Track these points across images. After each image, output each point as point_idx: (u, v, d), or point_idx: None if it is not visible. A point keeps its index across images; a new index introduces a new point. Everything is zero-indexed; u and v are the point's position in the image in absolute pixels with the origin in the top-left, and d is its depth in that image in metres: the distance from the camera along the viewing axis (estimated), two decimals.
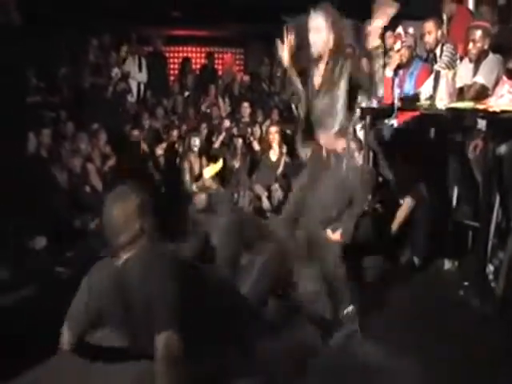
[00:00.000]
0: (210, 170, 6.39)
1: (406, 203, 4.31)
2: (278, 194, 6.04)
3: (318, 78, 3.32)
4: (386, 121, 5.38)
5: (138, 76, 8.16)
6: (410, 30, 5.32)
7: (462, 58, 4.65)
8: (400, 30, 5.41)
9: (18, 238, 4.50)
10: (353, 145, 5.16)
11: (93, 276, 2.59)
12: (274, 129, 6.45)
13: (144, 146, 6.61)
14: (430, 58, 5.02)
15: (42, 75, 6.98)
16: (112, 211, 2.47)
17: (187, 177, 6.31)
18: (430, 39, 4.93)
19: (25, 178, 4.33)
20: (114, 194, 2.54)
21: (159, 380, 2.27)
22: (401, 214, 4.32)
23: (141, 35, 8.50)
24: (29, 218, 4.63)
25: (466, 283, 3.73)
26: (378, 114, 5.60)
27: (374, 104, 5.60)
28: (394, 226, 4.30)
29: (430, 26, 4.91)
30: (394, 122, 5.24)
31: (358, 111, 5.93)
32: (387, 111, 5.36)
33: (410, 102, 4.77)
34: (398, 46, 5.45)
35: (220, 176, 6.46)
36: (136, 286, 2.41)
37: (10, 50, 3.64)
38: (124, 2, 7.97)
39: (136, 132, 6.64)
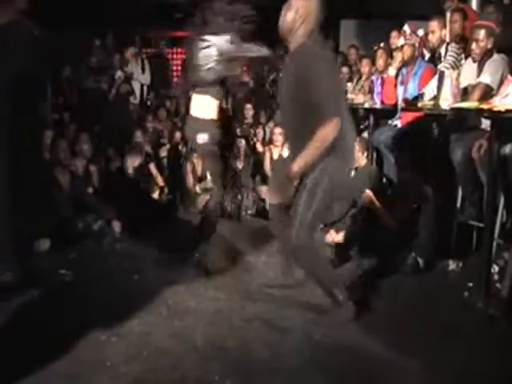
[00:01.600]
0: None
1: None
2: None
3: None
4: (390, 121, 5.37)
5: (141, 78, 8.15)
6: (420, 32, 5.29)
7: (466, 58, 4.62)
8: (406, 27, 5.38)
9: (22, 240, 4.48)
10: (357, 145, 5.17)
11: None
12: (278, 130, 6.43)
13: (147, 148, 6.61)
14: (435, 58, 5.00)
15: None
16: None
17: (190, 178, 6.29)
18: (433, 39, 4.92)
19: (28, 180, 4.31)
20: None
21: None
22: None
23: (144, 37, 8.51)
24: (32, 219, 4.60)
25: (470, 284, 3.71)
26: (382, 115, 5.59)
27: (378, 104, 5.60)
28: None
29: (433, 25, 4.90)
30: (398, 122, 5.22)
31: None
32: (391, 111, 5.35)
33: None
34: (400, 41, 5.43)
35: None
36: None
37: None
38: (128, 4, 7.99)
39: (139, 133, 6.63)
